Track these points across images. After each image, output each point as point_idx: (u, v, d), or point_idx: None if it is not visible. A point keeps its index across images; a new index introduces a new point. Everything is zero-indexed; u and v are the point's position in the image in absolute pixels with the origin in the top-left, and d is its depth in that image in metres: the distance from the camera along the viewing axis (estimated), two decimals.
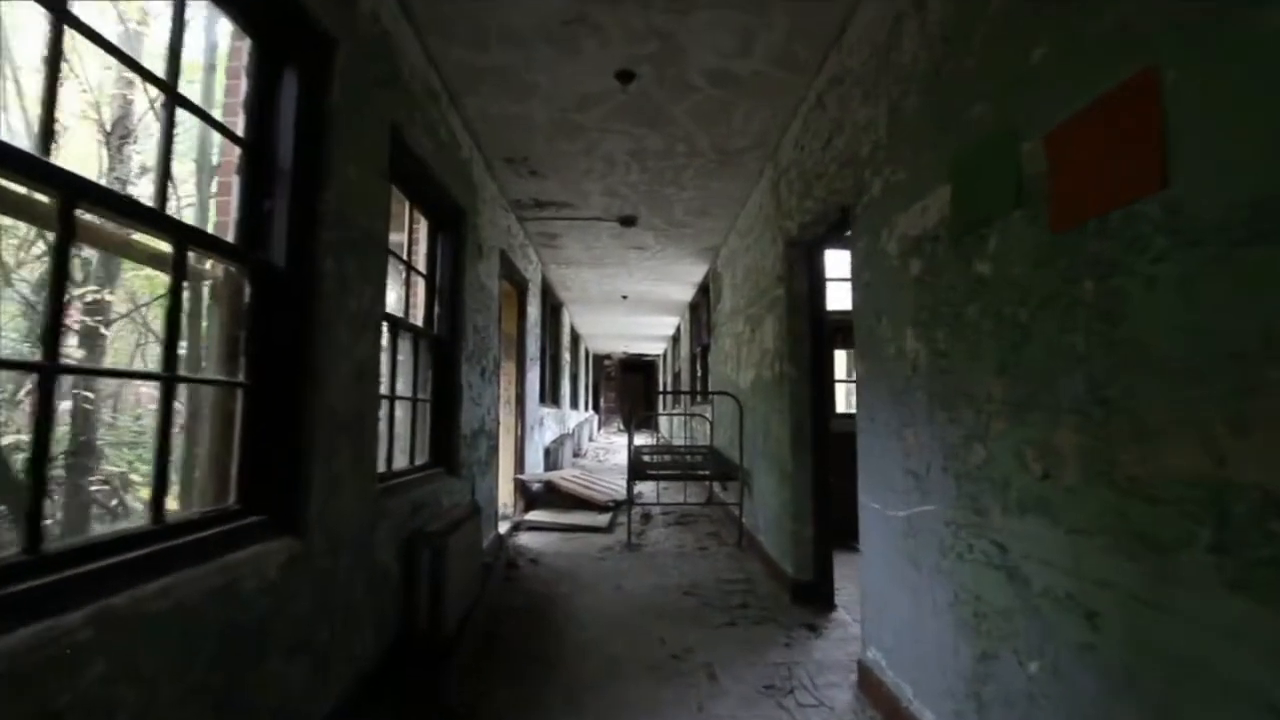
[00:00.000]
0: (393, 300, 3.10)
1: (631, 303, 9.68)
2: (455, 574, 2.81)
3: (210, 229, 1.83)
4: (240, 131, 1.80)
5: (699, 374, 9.14)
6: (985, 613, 1.64)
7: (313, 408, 1.86)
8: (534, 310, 6.51)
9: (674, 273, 7.56)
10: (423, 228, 3.58)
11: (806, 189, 3.33)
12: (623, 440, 16.99)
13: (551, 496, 6.06)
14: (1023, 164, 1.51)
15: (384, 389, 2.71)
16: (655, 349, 17.99)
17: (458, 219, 3.69)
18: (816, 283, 3.71)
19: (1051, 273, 1.40)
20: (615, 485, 7.03)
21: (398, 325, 2.92)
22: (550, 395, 8.89)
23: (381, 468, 2.65)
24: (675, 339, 13.34)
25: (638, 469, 4.98)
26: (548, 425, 7.83)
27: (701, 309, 8.61)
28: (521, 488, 5.55)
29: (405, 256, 3.20)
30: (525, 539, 5.02)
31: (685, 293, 8.76)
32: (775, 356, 3.99)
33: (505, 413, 5.75)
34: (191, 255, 1.54)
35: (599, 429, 19.25)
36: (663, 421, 16.59)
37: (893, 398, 2.23)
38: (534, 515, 5.51)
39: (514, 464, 5.73)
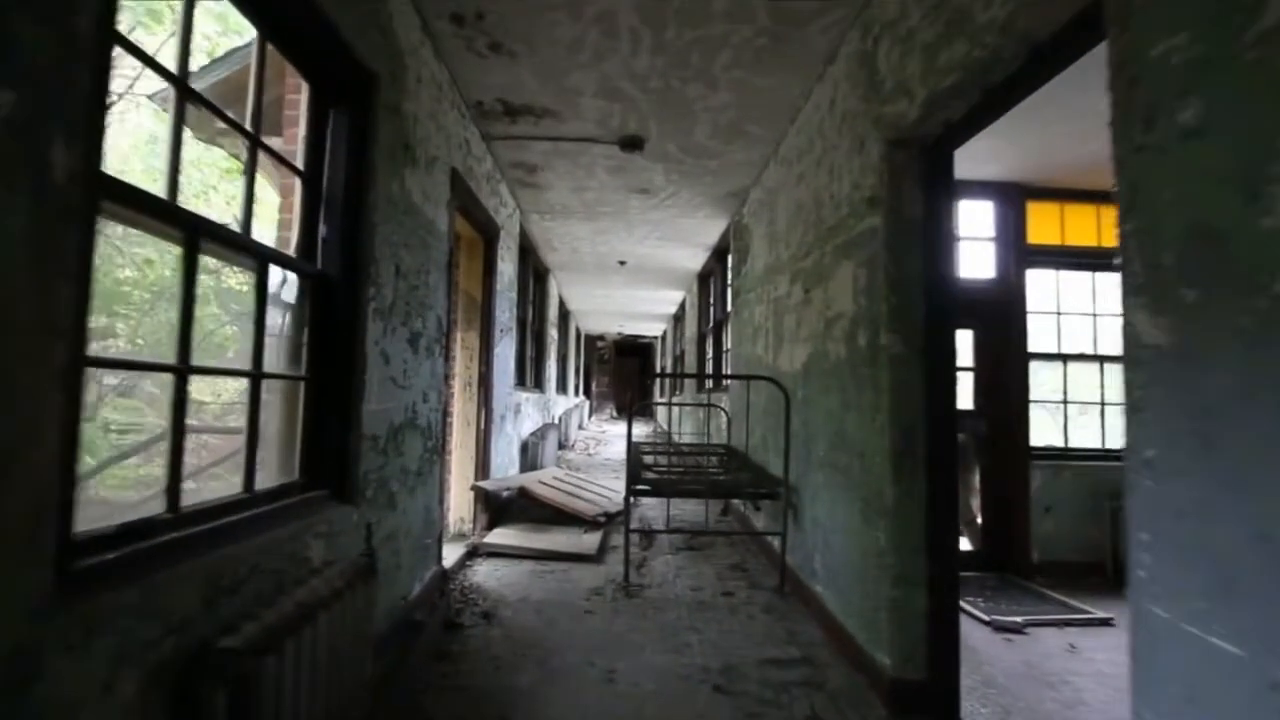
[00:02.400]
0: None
1: (631, 272, 8.26)
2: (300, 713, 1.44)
3: None
4: None
5: (709, 356, 7.76)
6: None
7: None
8: (508, 267, 5.10)
9: (684, 230, 6.15)
10: (303, 100, 2.16)
11: (941, 38, 1.93)
12: (616, 429, 15.66)
13: (526, 506, 4.70)
14: None
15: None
16: (653, 330, 16.58)
17: (362, 90, 2.27)
18: (940, 205, 2.32)
19: None
20: (607, 490, 5.67)
21: (199, 232, 1.51)
22: (532, 377, 7.50)
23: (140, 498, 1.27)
24: (678, 318, 11.95)
25: (638, 479, 3.61)
26: (526, 414, 6.45)
27: (715, 278, 7.22)
28: (484, 498, 4.19)
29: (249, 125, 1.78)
30: (484, 572, 3.66)
31: (695, 259, 7.36)
32: (857, 324, 2.62)
33: (463, 398, 4.37)
34: None
35: (590, 416, 17.90)
36: (660, 409, 15.24)
37: None
38: (499, 536, 4.14)
39: (476, 466, 4.36)
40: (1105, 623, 3.47)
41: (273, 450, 2.08)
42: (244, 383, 1.80)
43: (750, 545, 4.45)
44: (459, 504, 4.31)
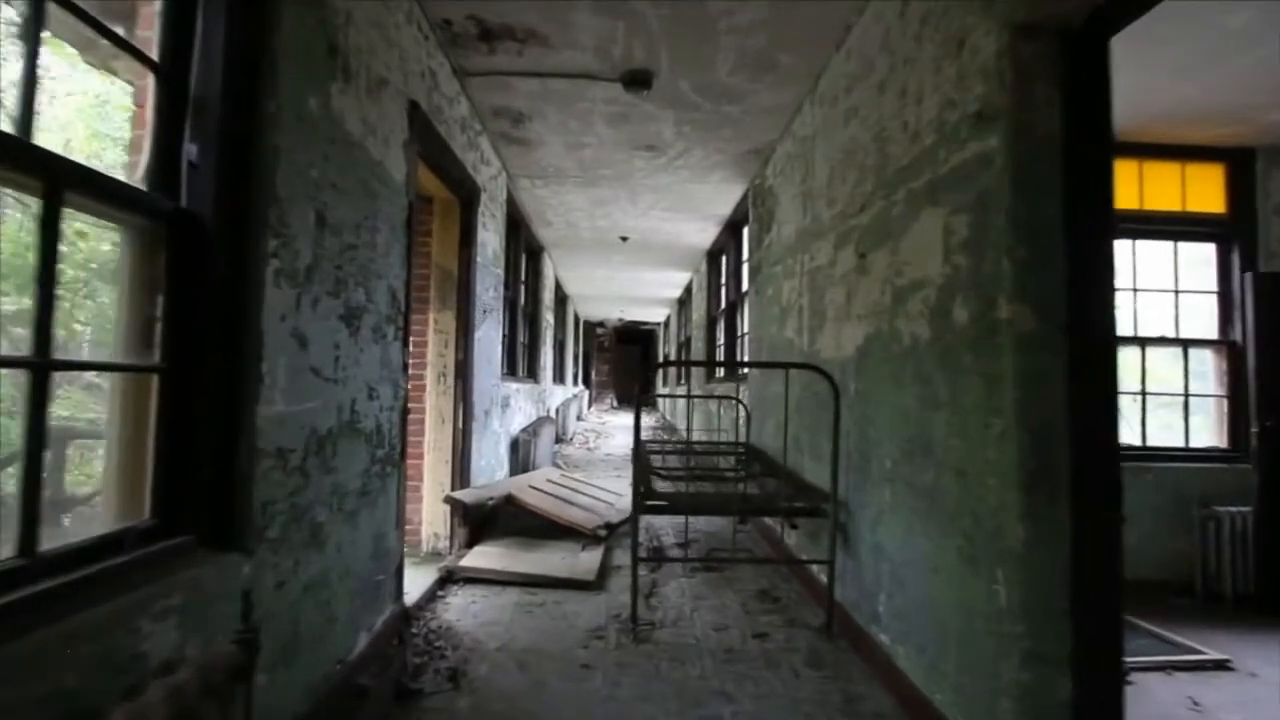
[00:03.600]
0: None
1: (633, 249, 7.54)
2: None
3: None
4: None
5: (720, 342, 7.06)
6: None
7: None
8: (492, 238, 4.38)
9: (694, 199, 5.42)
10: None
11: None
12: (617, 420, 15.01)
13: (514, 516, 4.03)
14: None
15: None
16: (656, 316, 15.86)
17: None
18: (1091, 119, 1.61)
19: None
20: (609, 492, 5.00)
21: None
22: (525, 366, 6.80)
23: None
24: (682, 301, 11.23)
25: (650, 493, 2.91)
26: (518, 407, 5.75)
27: (727, 255, 6.50)
28: (461, 511, 3.50)
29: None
30: (458, 606, 2.98)
31: (704, 233, 6.63)
32: (950, 293, 1.91)
33: (436, 392, 3.67)
34: None
35: (589, 406, 17.24)
36: (661, 400, 14.60)
37: None
38: (480, 556, 3.46)
39: (453, 471, 3.67)
40: (1222, 665, 2.81)
41: (110, 480, 1.39)
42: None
43: (781, 571, 3.77)
44: (432, 517, 3.63)
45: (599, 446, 9.68)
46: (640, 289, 11.02)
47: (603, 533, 3.88)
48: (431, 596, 3.02)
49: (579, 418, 13.31)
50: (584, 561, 3.49)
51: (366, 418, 2.25)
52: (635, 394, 2.69)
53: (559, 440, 9.20)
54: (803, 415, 3.40)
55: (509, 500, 3.98)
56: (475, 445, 3.97)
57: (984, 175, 1.75)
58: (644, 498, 2.78)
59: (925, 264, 2.08)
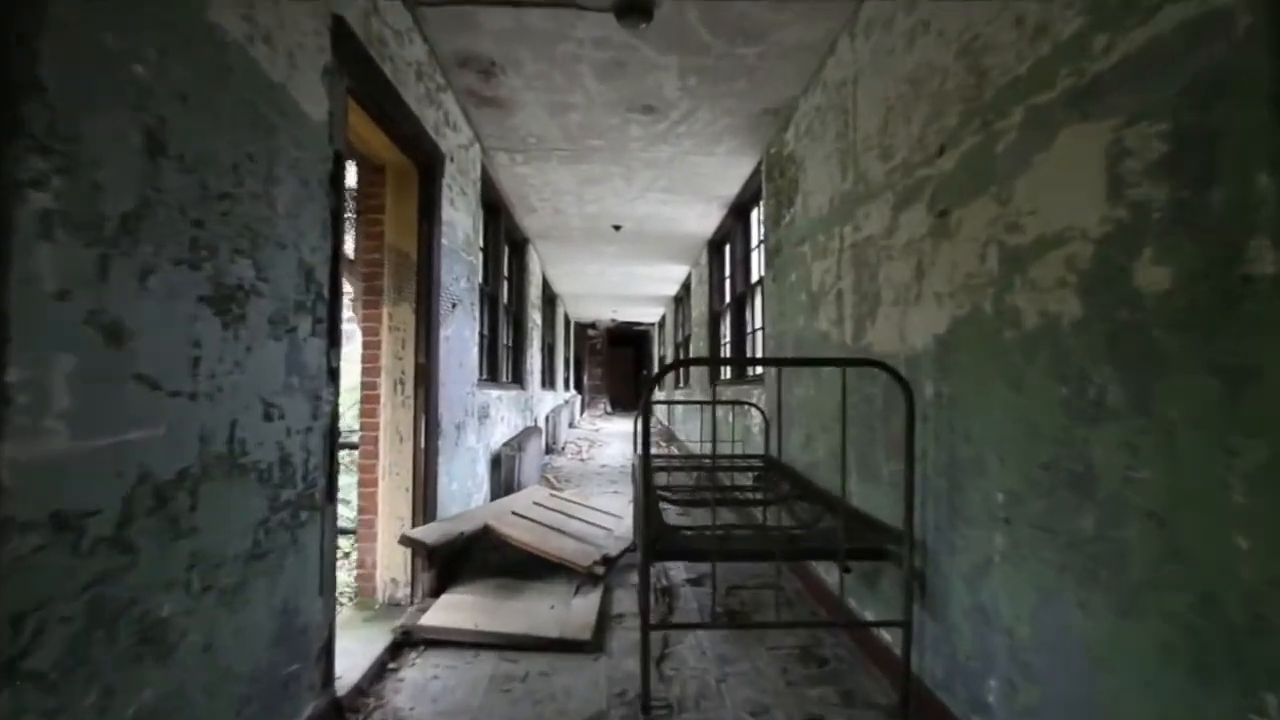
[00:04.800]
0: None
1: (627, 240, 6.87)
2: None
3: None
4: None
5: (726, 340, 6.40)
6: None
7: None
8: (462, 218, 3.70)
9: (698, 175, 4.77)
10: None
11: None
12: (612, 427, 14.35)
13: (494, 547, 3.35)
14: None
15: None
16: (650, 316, 15.20)
17: None
18: None
19: None
20: (606, 514, 4.32)
21: None
22: (509, 370, 6.12)
23: None
24: (679, 299, 10.58)
25: (662, 532, 2.21)
26: (500, 417, 5.06)
27: (734, 243, 5.84)
28: (425, 553, 2.81)
29: None
30: (415, 683, 2.29)
31: (707, 219, 5.97)
32: (1123, 246, 1.25)
33: (392, 404, 2.98)
34: None
35: (581, 413, 16.55)
36: (659, 406, 13.97)
37: None
38: (447, 608, 2.77)
39: (414, 501, 2.98)
40: None
41: None
42: None
43: (813, 603, 3.11)
44: (389, 559, 2.94)
45: (593, 456, 8.99)
46: (635, 286, 10.36)
47: (600, 570, 3.19)
48: (380, 671, 2.32)
49: (571, 425, 12.62)
50: (578, 612, 2.81)
51: (260, 447, 1.56)
52: (643, 402, 2.01)
53: (549, 450, 8.51)
54: (848, 425, 2.73)
55: (486, 531, 3.29)
56: (444, 467, 3.28)
57: (1206, 49, 1.09)
58: (656, 538, 2.09)
59: (1066, 209, 1.42)
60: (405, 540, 2.76)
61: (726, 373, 6.03)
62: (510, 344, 6.31)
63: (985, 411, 1.74)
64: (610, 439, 11.42)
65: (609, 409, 19.20)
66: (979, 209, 1.77)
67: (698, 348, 7.82)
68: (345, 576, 3.26)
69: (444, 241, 3.26)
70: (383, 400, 2.97)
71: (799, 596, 3.23)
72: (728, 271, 6.30)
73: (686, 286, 9.26)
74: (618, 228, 6.30)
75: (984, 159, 1.75)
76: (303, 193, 1.78)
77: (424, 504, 3.00)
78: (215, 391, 1.39)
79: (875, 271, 2.47)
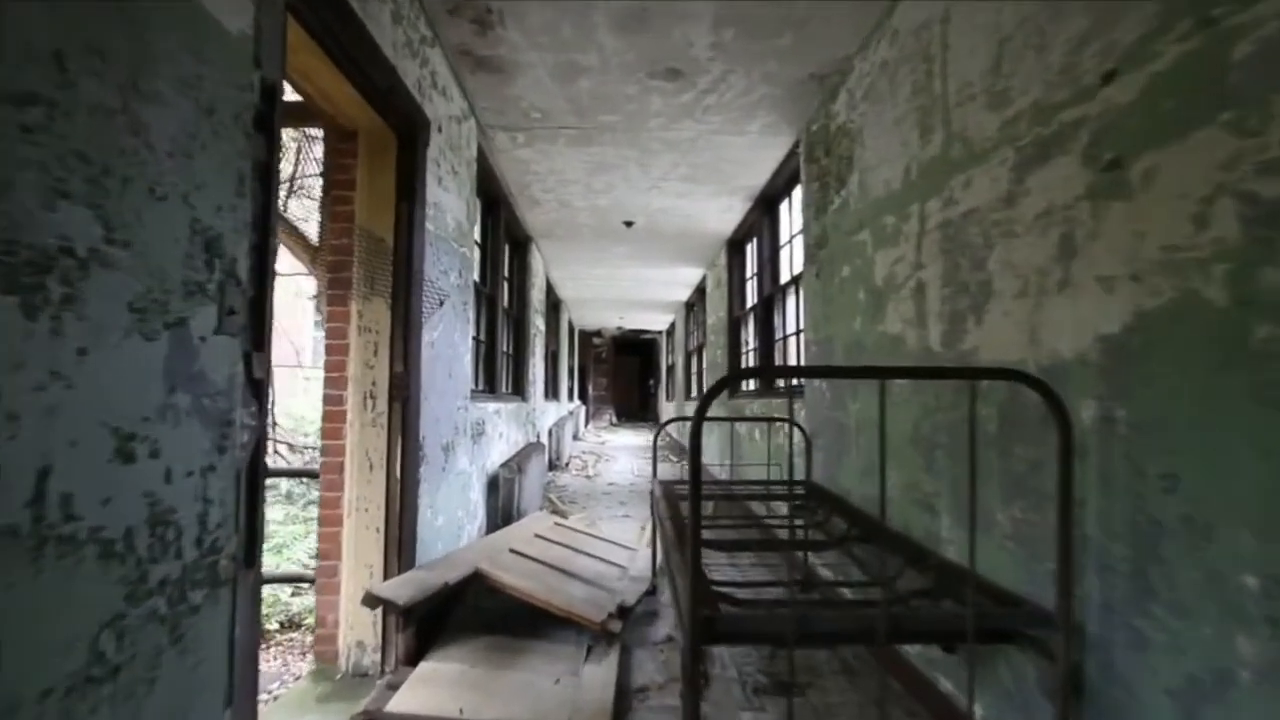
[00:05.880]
0: None
1: (640, 239, 6.31)
2: None
3: None
4: None
5: (750, 347, 5.82)
6: None
7: None
8: (453, 201, 3.14)
9: (724, 160, 4.22)
10: None
11: None
12: (618, 439, 13.76)
13: (488, 591, 2.77)
14: None
15: None
16: (658, 323, 14.63)
17: None
18: None
19: None
20: (619, 547, 3.74)
21: None
22: (509, 381, 5.55)
23: None
24: (691, 305, 10.01)
25: (715, 615, 1.60)
26: (498, 433, 4.49)
27: (760, 240, 5.27)
28: (395, 615, 2.23)
29: None
30: None
31: (729, 214, 5.41)
32: None
33: (360, 423, 2.41)
34: None
35: (586, 424, 15.97)
36: (667, 412, 13.38)
37: None
38: (420, 690, 2.19)
39: (385, 546, 2.41)
40: None
41: None
42: None
43: (875, 665, 2.51)
44: (355, 616, 2.36)
45: (599, 473, 8.39)
46: (644, 291, 9.80)
47: (616, 626, 2.61)
48: None
49: (576, 437, 12.03)
50: (590, 687, 2.22)
51: (105, 505, 0.99)
52: (694, 426, 1.42)
53: (552, 467, 7.93)
54: (933, 453, 2.16)
55: (477, 577, 2.71)
56: (426, 499, 2.71)
57: None
58: (707, 619, 1.50)
59: None
60: (371, 600, 2.17)
61: (750, 384, 5.45)
62: (510, 351, 5.75)
63: (1209, 450, 1.16)
64: (617, 453, 10.83)
65: (615, 420, 18.61)
66: (1192, 149, 1.21)
67: (713, 356, 7.24)
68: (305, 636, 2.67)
69: (429, 226, 2.70)
70: (349, 418, 2.40)
71: (857, 659, 2.64)
72: (750, 272, 5.73)
73: (700, 290, 8.69)
74: (629, 224, 5.75)
75: (1202, 74, 1.18)
76: (203, 125, 1.23)
77: (399, 547, 2.42)
78: (8, 422, 0.83)
79: (982, 255, 1.90)
